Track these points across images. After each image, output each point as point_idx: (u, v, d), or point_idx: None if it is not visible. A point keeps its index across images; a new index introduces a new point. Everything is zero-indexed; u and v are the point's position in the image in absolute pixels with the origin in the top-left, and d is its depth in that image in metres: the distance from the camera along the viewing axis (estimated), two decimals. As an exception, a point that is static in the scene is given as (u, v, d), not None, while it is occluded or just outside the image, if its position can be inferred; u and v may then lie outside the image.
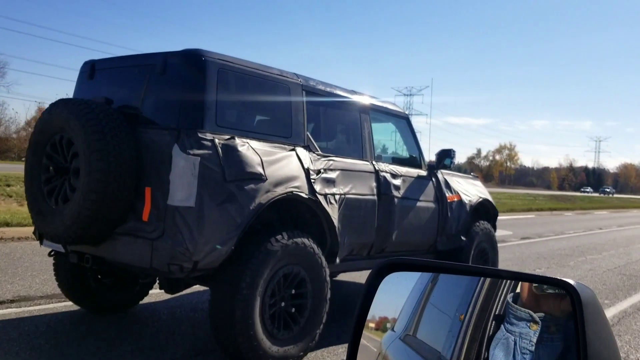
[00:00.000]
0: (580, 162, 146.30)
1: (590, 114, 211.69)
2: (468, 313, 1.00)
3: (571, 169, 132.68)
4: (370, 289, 1.05)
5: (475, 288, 1.03)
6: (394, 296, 1.08)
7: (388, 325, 1.08)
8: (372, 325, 1.05)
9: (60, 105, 3.43)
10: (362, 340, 1.04)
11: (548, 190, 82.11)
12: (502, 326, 0.95)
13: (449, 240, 5.18)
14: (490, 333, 0.97)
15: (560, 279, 0.89)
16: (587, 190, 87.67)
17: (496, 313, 0.98)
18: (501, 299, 0.99)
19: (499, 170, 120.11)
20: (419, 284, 1.09)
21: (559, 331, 0.90)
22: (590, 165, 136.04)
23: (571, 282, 0.87)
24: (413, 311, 1.09)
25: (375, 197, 4.26)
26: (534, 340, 0.90)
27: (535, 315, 0.92)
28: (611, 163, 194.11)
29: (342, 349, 3.90)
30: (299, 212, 3.81)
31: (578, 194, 69.17)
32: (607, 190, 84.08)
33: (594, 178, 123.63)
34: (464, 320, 1.00)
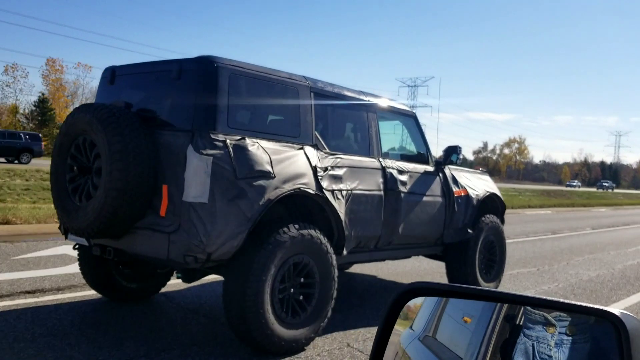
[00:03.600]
0: (599, 157, 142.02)
1: (615, 109, 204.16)
2: (492, 320, 0.96)
3: (585, 163, 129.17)
4: (390, 316, 1.00)
5: None
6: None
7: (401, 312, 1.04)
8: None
9: (83, 109, 3.62)
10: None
11: (556, 186, 78.30)
12: (520, 331, 0.91)
13: (456, 233, 5.32)
14: (512, 339, 0.93)
15: (604, 309, 0.82)
16: (574, 184, 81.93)
17: (517, 320, 0.95)
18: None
19: (508, 165, 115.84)
20: None
21: (580, 331, 0.84)
22: (609, 160, 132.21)
23: (616, 312, 0.79)
24: (432, 312, 1.07)
25: (381, 193, 4.40)
26: (552, 343, 0.85)
27: (551, 317, 0.87)
28: (632, 158, 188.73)
29: (352, 335, 4.02)
30: (307, 207, 3.97)
31: (575, 189, 61.37)
32: (606, 184, 76.82)
33: (611, 173, 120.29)
34: (488, 326, 0.96)
